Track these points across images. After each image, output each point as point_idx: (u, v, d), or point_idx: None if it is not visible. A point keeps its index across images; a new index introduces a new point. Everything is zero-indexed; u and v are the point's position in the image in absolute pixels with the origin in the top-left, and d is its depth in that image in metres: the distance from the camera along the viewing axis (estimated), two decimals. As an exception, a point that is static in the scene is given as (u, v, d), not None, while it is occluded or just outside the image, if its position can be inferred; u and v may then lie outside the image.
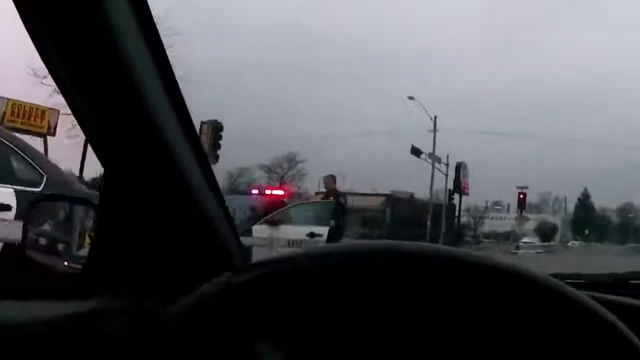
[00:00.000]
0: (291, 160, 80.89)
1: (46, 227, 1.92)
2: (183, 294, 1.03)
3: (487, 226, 58.35)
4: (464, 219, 52.04)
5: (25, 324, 0.98)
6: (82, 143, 33.95)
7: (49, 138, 38.02)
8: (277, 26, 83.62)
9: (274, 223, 12.00)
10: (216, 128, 24.29)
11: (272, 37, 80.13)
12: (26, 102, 36.28)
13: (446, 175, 45.24)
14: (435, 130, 44.45)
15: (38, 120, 37.11)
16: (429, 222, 42.69)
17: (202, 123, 23.52)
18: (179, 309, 1.01)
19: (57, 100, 29.84)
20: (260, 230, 11.72)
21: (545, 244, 54.43)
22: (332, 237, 11.30)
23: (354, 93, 79.73)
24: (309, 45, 74.70)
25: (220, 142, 24.32)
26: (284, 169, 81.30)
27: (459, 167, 44.81)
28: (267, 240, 11.10)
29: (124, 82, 0.98)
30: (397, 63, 76.34)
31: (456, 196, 46.29)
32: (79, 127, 1.17)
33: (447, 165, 45.08)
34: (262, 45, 77.31)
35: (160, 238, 1.11)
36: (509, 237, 54.20)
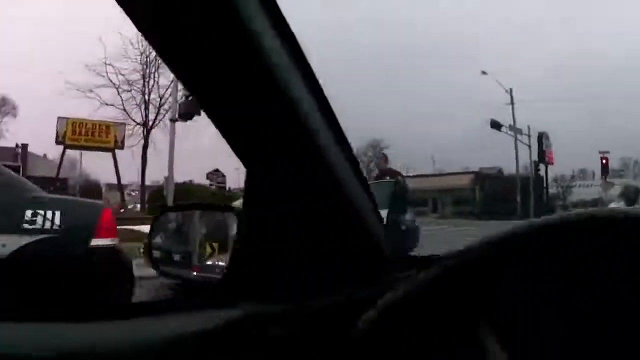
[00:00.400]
0: (375, 148, 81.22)
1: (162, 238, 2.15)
2: (339, 294, 1.09)
3: (575, 195, 56.08)
4: (552, 190, 50.28)
5: (187, 336, 1.00)
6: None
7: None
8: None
9: None
10: None
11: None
12: (88, 120, 35.84)
13: (529, 147, 43.22)
14: (512, 102, 42.95)
15: (103, 136, 36.90)
16: (518, 197, 41.43)
17: None
18: (381, 309, 1.01)
19: (106, 113, 29.42)
20: None
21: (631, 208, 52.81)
22: (393, 221, 9.52)
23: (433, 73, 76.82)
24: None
25: None
26: (369, 157, 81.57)
27: (542, 137, 43.29)
28: None
29: (265, 80, 0.98)
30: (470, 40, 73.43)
31: (542, 167, 44.32)
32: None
33: (529, 136, 43.38)
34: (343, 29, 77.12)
35: (309, 238, 1.12)
36: (597, 205, 52.12)
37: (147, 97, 29.15)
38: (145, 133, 31.65)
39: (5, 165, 18.56)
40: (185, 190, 24.55)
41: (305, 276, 1.10)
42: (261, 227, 1.12)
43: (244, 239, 1.18)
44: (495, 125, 40.86)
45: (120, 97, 26.78)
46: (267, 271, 1.11)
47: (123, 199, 36.78)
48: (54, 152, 51.10)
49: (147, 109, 29.69)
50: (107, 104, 27.77)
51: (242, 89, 0.98)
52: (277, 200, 1.09)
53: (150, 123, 31.07)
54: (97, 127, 38.95)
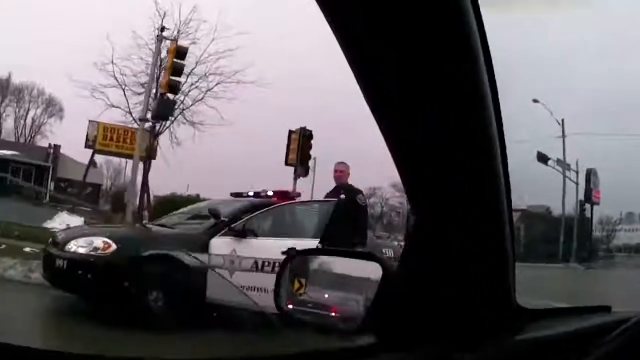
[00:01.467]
0: None
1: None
2: (482, 342, 1.19)
3: (620, 239, 53.28)
4: (595, 232, 47.50)
5: None
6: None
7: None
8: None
9: (240, 234, 8.11)
10: (305, 136, 21.59)
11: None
12: (118, 125, 34.59)
13: (576, 184, 40.24)
14: (563, 134, 39.80)
15: (133, 143, 35.23)
16: (561, 238, 38.88)
17: (291, 132, 21.76)
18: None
19: (112, 115, 27.95)
20: (219, 246, 8.04)
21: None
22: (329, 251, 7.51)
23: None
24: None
25: (310, 151, 21.89)
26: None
27: (590, 174, 40.18)
28: (226, 260, 7.90)
29: (459, 122, 1.05)
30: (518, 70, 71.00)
31: (587, 206, 41.33)
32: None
33: (577, 172, 40.18)
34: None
35: (454, 287, 1.21)
36: (640, 249, 50.27)
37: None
38: (152, 139, 29.87)
39: (33, 164, 29.96)
40: (171, 201, 23.06)
41: (445, 324, 1.20)
42: (411, 277, 1.25)
43: (388, 286, 1.30)
44: (542, 158, 37.90)
45: (126, 98, 25.04)
46: (409, 320, 1.22)
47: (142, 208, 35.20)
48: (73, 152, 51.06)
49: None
50: (113, 106, 26.01)
51: (434, 124, 1.04)
52: (437, 248, 1.20)
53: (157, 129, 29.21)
54: (130, 133, 37.88)
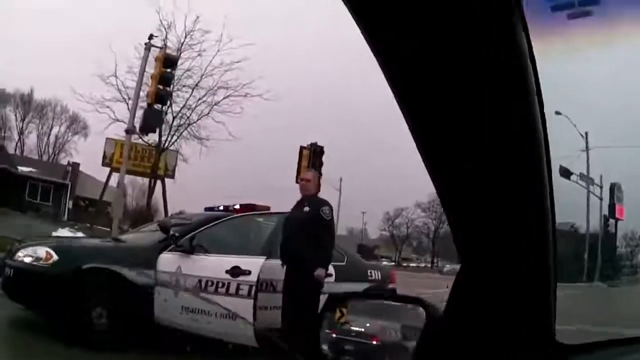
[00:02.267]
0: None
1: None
2: None
3: None
4: (621, 249, 46.46)
5: None
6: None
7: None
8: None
9: (187, 250, 7.50)
10: (316, 152, 21.43)
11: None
12: (138, 143, 34.13)
13: (600, 199, 38.87)
14: (587, 148, 38.11)
15: (158, 163, 34.71)
16: (585, 255, 37.12)
17: (302, 148, 21.65)
18: None
19: (118, 131, 27.44)
20: (166, 262, 7.46)
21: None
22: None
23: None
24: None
25: (322, 168, 21.30)
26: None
27: (614, 188, 38.78)
28: (172, 278, 7.29)
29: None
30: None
31: (611, 222, 40.06)
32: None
33: (601, 187, 38.80)
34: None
35: (497, 331, 1.24)
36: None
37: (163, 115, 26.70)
38: (159, 154, 29.44)
39: (51, 182, 33.25)
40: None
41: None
42: (455, 318, 1.27)
43: (432, 330, 1.34)
44: (565, 173, 36.70)
45: (130, 112, 24.36)
46: None
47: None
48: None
49: (160, 128, 27.32)
50: (117, 120, 25.54)
51: (486, 157, 1.07)
52: (481, 299, 1.22)
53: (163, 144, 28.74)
54: (148, 151, 37.66)
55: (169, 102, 26.66)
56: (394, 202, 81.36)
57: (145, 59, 20.37)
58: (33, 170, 48.70)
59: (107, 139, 38.65)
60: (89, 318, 6.99)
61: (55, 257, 7.09)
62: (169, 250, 7.47)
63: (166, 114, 27.37)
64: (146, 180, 40.90)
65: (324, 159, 21.55)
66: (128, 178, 52.75)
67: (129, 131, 20.13)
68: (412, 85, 1.00)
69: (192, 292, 7.13)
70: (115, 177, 40.83)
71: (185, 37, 26.65)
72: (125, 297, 7.09)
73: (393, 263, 67.44)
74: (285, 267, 7.39)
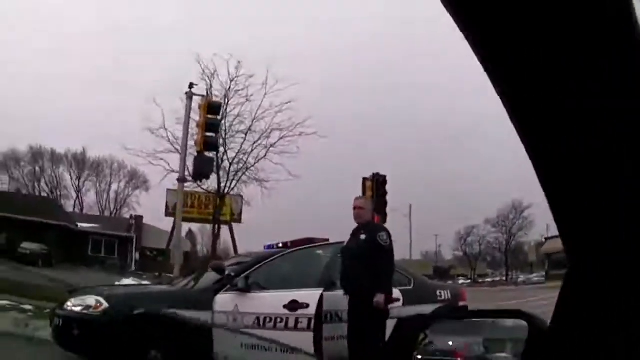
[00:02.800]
0: (516, 209, 77.18)
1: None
2: None
3: None
4: None
5: None
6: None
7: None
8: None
9: (244, 289, 7.32)
10: (379, 182, 20.96)
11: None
12: (200, 192, 34.56)
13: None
14: None
15: (220, 209, 35.11)
16: None
17: (365, 179, 20.91)
18: None
19: (172, 181, 27.54)
20: (223, 302, 7.30)
21: None
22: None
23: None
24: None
25: (386, 197, 21.01)
26: (511, 219, 77.61)
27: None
28: (229, 317, 7.16)
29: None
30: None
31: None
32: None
33: None
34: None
35: (612, 342, 1.13)
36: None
37: (219, 162, 26.78)
38: (218, 201, 29.52)
39: (115, 236, 35.41)
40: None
41: None
42: (562, 333, 1.20)
43: (535, 344, 1.29)
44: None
45: (180, 162, 24.15)
46: None
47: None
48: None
49: (218, 174, 27.43)
50: (173, 171, 25.61)
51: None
52: (592, 302, 1.13)
53: (224, 189, 28.80)
54: (209, 198, 38.06)
55: (223, 149, 26.87)
56: (463, 222, 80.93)
57: (188, 108, 20.34)
58: (95, 225, 49.86)
59: (168, 189, 39.06)
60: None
61: (105, 304, 7.05)
62: (225, 291, 7.33)
63: (222, 160, 27.58)
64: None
65: (387, 188, 21.00)
66: (197, 226, 53.60)
67: (181, 180, 20.14)
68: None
69: (251, 329, 7.02)
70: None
71: (231, 83, 26.54)
72: (179, 338, 7.00)
73: (469, 280, 66.80)
74: (348, 296, 7.17)
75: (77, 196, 71.30)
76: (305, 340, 6.83)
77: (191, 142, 20.26)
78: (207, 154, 19.20)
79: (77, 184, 71.07)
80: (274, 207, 60.69)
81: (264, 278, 7.54)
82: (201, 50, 29.97)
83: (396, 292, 7.69)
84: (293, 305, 7.02)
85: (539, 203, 63.81)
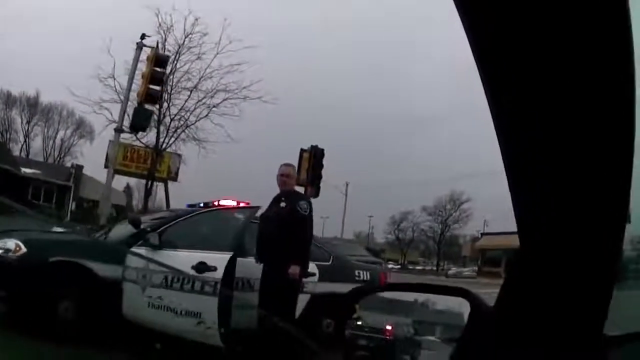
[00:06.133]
0: (454, 201, 78.51)
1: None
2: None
3: None
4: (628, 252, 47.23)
5: None
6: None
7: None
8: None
9: (156, 245, 7.19)
10: (317, 155, 21.10)
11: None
12: (139, 146, 33.77)
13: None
14: None
15: (156, 164, 34.35)
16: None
17: (303, 150, 21.03)
18: None
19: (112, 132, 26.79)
20: (135, 257, 7.13)
21: None
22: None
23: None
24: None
25: (322, 170, 21.17)
26: (448, 210, 79.00)
27: None
28: (139, 273, 7.03)
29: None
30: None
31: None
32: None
33: None
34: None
35: (553, 322, 1.19)
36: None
37: (161, 117, 26.15)
38: (155, 156, 28.98)
39: (55, 184, 34.25)
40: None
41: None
42: (505, 312, 1.23)
43: (477, 324, 1.30)
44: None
45: (120, 111, 23.13)
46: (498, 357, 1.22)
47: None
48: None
49: (158, 129, 26.89)
50: (115, 122, 24.90)
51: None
52: (538, 279, 1.18)
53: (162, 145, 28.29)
54: (149, 154, 37.34)
55: (166, 104, 26.34)
56: (399, 207, 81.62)
57: (136, 59, 19.84)
58: (37, 172, 48.64)
59: (110, 141, 37.89)
60: (57, 312, 6.83)
61: (24, 249, 6.93)
62: (138, 246, 7.19)
63: (164, 116, 27.00)
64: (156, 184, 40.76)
65: (324, 162, 21.07)
66: (135, 181, 52.71)
67: (118, 130, 19.66)
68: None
69: (159, 288, 6.88)
70: (119, 179, 40.61)
71: (184, 40, 25.84)
72: (92, 290, 6.89)
73: (399, 266, 67.38)
74: (262, 264, 7.07)
75: (25, 140, 69.50)
76: (209, 306, 6.67)
77: (134, 94, 19.74)
78: (147, 106, 18.74)
79: (26, 128, 69.29)
80: (211, 169, 60.09)
81: (178, 236, 7.38)
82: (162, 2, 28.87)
83: (312, 267, 7.69)
84: (200, 267, 6.84)
85: (477, 198, 64.74)
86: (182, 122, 27.43)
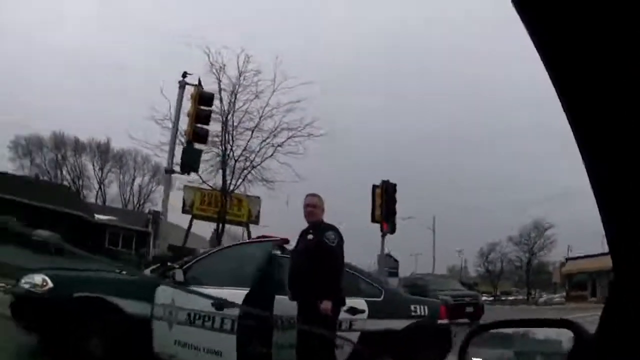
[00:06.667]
0: (538, 228, 76.31)
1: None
2: None
3: None
4: None
5: None
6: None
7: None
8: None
9: (181, 282, 7.12)
10: (389, 190, 20.81)
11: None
12: (217, 191, 33.99)
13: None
14: None
15: (234, 209, 34.56)
16: None
17: (375, 187, 20.87)
18: None
19: (193, 178, 26.73)
20: (162, 294, 7.10)
21: None
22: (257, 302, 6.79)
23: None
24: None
25: (395, 206, 20.92)
26: (533, 238, 76.79)
27: None
28: (166, 311, 6.97)
29: None
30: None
31: None
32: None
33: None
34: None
35: None
36: None
37: (225, 159, 26.01)
38: (224, 199, 28.85)
39: (133, 230, 34.27)
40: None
41: None
42: (608, 342, 1.18)
43: (581, 354, 1.28)
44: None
45: (169, 152, 22.69)
46: None
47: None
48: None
49: (224, 171, 26.79)
50: (177, 164, 24.88)
51: None
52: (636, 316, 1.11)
53: (230, 187, 28.09)
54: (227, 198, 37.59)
55: (230, 146, 26.24)
56: (484, 239, 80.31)
57: (180, 98, 19.73)
58: (112, 218, 49.70)
59: (185, 186, 38.43)
60: (86, 347, 6.87)
61: (50, 284, 7.07)
62: (165, 283, 7.21)
63: (228, 157, 26.94)
64: (239, 228, 40.98)
65: (399, 197, 20.94)
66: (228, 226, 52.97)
67: (168, 171, 19.55)
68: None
69: (184, 325, 6.81)
70: (196, 224, 40.91)
71: (240, 78, 25.68)
72: (121, 327, 6.91)
73: (492, 298, 66.02)
74: (296, 301, 6.68)
75: (100, 187, 71.38)
76: (229, 344, 6.47)
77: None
78: (197, 145, 18.72)
79: (99, 175, 71.16)
80: (283, 208, 60.01)
81: (204, 273, 7.25)
82: (209, 42, 28.80)
83: (361, 303, 7.39)
84: (220, 303, 6.61)
85: (559, 224, 62.73)
86: (248, 163, 27.26)
